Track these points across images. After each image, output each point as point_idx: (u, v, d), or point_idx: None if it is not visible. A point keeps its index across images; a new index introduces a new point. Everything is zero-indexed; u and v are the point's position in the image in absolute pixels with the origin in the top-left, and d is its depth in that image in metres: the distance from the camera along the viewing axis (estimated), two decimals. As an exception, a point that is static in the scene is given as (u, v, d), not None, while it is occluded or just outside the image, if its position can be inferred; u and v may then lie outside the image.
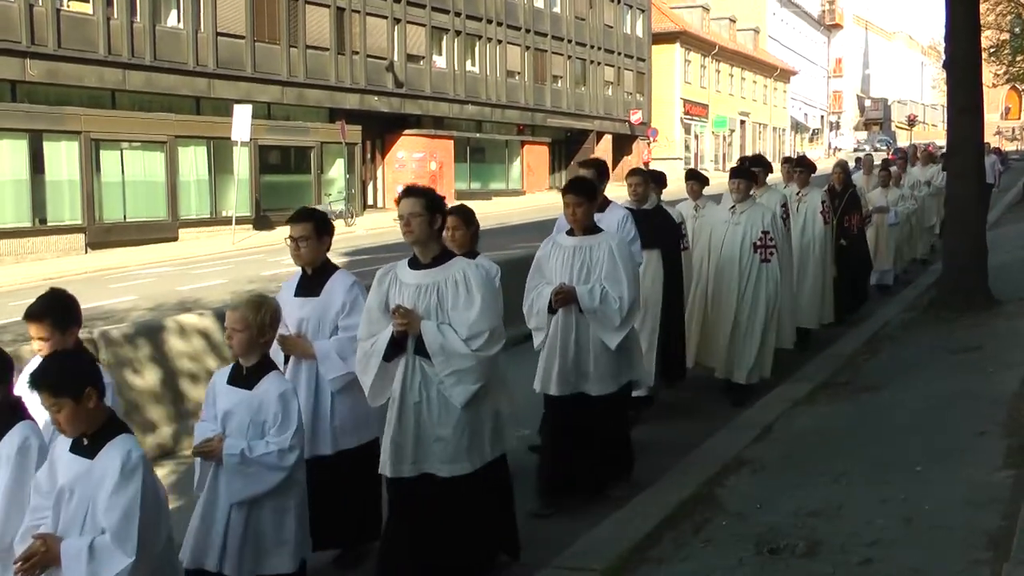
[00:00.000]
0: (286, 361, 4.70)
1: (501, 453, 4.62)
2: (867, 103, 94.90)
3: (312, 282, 4.82)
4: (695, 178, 9.20)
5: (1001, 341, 8.82)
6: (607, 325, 5.38)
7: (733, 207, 8.02)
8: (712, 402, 7.81)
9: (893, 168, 14.25)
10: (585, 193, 5.55)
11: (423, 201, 4.33)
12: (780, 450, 6.23)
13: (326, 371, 4.67)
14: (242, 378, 4.04)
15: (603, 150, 48.85)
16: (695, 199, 9.06)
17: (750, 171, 8.45)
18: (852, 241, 11.08)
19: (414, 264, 4.44)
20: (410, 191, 4.41)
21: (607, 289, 5.39)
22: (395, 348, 4.36)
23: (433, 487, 4.39)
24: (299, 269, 4.91)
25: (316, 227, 4.77)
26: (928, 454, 5.74)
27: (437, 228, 4.40)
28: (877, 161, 15.83)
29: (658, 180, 7.92)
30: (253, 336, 3.97)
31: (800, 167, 10.54)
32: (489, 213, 32.05)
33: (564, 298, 5.42)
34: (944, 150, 23.24)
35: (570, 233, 5.63)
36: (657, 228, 7.17)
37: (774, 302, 7.84)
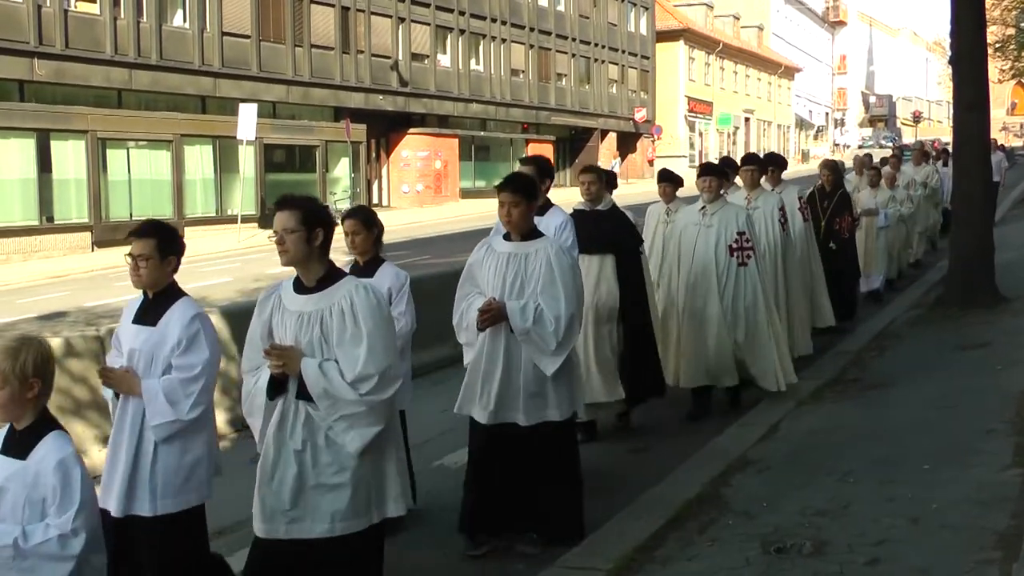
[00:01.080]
0: (116, 396, 4.06)
1: (383, 518, 3.82)
2: (872, 100, 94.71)
3: (151, 309, 4.07)
4: (668, 180, 8.50)
5: (1009, 338, 8.79)
6: (542, 348, 4.65)
7: (703, 208, 7.35)
8: (716, 402, 7.78)
9: (885, 168, 13.53)
10: (523, 191, 4.81)
11: (298, 214, 3.65)
12: (786, 449, 6.21)
13: (150, 416, 3.90)
14: (14, 446, 3.15)
15: (607, 148, 48.86)
16: (667, 202, 8.48)
17: (721, 168, 7.91)
18: (841, 245, 10.42)
19: (298, 287, 3.75)
20: (283, 202, 3.72)
21: (542, 307, 4.64)
22: (278, 387, 3.72)
23: (312, 551, 3.69)
24: (141, 292, 4.18)
25: (159, 245, 4.03)
26: (935, 452, 5.72)
27: (319, 244, 3.67)
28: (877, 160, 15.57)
29: (611, 179, 7.33)
30: (15, 391, 3.07)
31: (772, 165, 9.73)
32: (493, 211, 31.92)
33: (492, 316, 4.68)
34: (937, 147, 22.91)
35: (507, 238, 4.88)
36: (612, 231, 6.59)
37: (753, 312, 7.18)
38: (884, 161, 14.98)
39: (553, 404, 4.77)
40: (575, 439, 5.06)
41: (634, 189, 39.92)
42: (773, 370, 7.24)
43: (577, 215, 6.40)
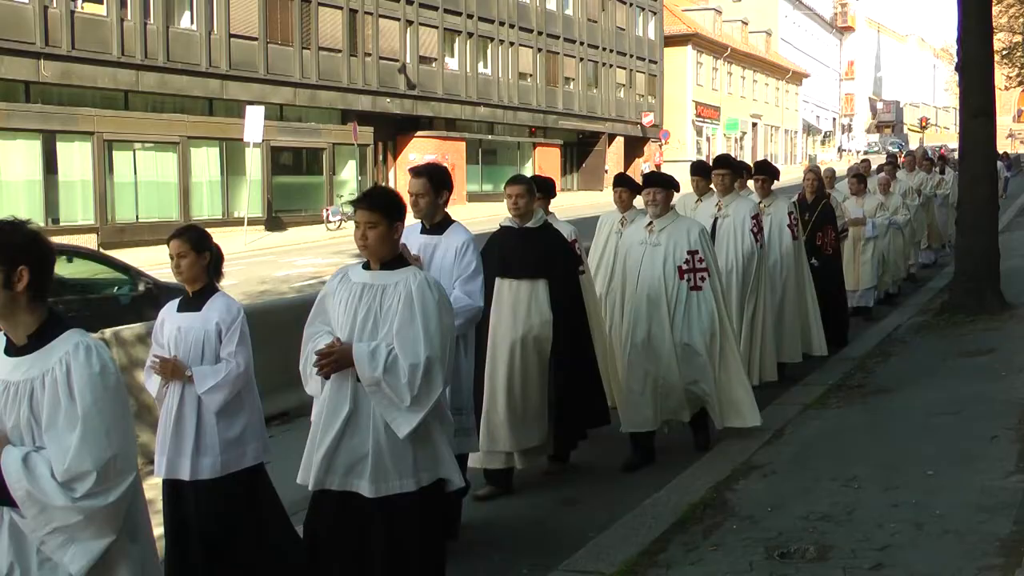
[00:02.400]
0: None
1: None
2: (879, 106, 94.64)
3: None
4: (624, 184, 7.45)
5: (1013, 344, 8.79)
6: (394, 403, 3.66)
7: (650, 224, 6.44)
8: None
9: (881, 175, 12.78)
10: (382, 209, 3.80)
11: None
12: (791, 454, 6.21)
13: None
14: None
15: (615, 152, 48.88)
16: (623, 210, 7.51)
17: (668, 177, 6.65)
18: (825, 262, 9.45)
19: (8, 347, 2.84)
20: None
21: (396, 352, 3.66)
22: None
23: None
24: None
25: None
26: (940, 458, 5.72)
27: (24, 287, 2.75)
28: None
29: (545, 189, 6.51)
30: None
31: (762, 173, 8.71)
32: (500, 215, 31.97)
33: (334, 361, 3.71)
34: (943, 153, 22.68)
35: (367, 265, 3.90)
36: (543, 252, 5.75)
37: (710, 343, 6.32)
38: (880, 169, 14.77)
39: (409, 471, 3.73)
40: (437, 517, 3.94)
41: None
42: (737, 408, 6.43)
43: (502, 233, 5.83)
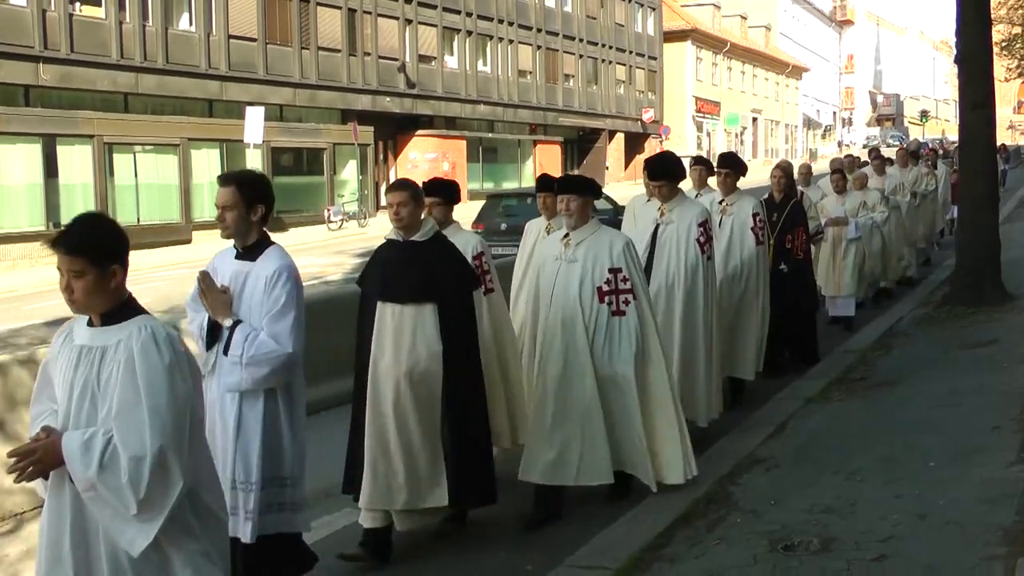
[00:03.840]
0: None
1: None
2: (879, 99, 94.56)
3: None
4: (547, 188, 6.48)
5: (1015, 336, 8.80)
6: (117, 511, 2.77)
7: (566, 237, 5.45)
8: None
9: (860, 171, 11.82)
10: (86, 253, 2.85)
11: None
12: (794, 447, 6.23)
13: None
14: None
15: (615, 149, 48.88)
16: (549, 217, 6.55)
17: (582, 180, 5.61)
18: (796, 268, 8.56)
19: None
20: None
21: (116, 441, 2.76)
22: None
23: None
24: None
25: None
26: (942, 450, 5.73)
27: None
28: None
29: (445, 193, 5.69)
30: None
31: (725, 167, 7.69)
32: (501, 213, 32.02)
33: (37, 461, 2.81)
34: (929, 147, 22.43)
35: (90, 323, 2.98)
36: (432, 271, 4.80)
37: (630, 379, 5.27)
38: (864, 164, 13.87)
39: None
40: None
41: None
42: (668, 459, 5.39)
43: (385, 248, 4.98)
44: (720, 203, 7.61)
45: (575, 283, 5.33)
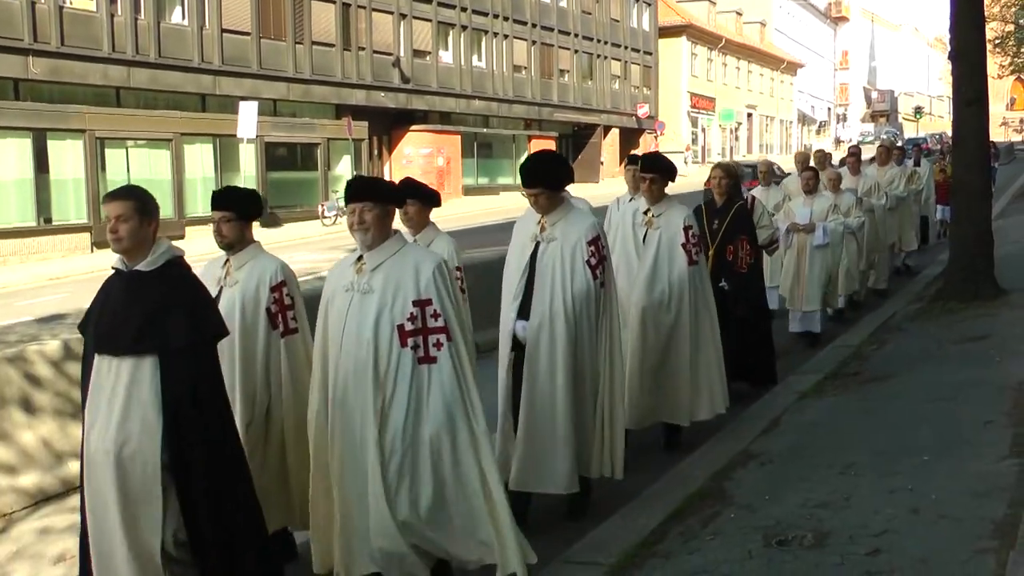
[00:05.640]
0: None
1: None
2: (874, 95, 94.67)
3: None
4: (418, 195, 5.55)
5: (1008, 330, 8.81)
6: None
7: (360, 262, 4.17)
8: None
9: (830, 170, 10.63)
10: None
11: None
12: (788, 442, 6.23)
13: None
14: None
15: (610, 144, 48.88)
16: (415, 232, 5.59)
17: (382, 185, 4.39)
18: (740, 283, 7.42)
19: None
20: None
21: None
22: None
23: None
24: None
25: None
26: (935, 444, 5.74)
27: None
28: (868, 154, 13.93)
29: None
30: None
31: (650, 170, 6.30)
32: (496, 208, 32.04)
33: None
34: (910, 145, 22.12)
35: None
36: (153, 310, 3.66)
37: (446, 448, 3.98)
38: (842, 162, 12.79)
39: None
40: None
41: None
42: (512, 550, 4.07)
43: (108, 281, 3.84)
44: (645, 214, 6.36)
45: (370, 319, 4.03)
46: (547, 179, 5.12)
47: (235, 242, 4.68)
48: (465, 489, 4.02)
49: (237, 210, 4.68)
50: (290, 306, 4.66)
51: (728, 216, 7.53)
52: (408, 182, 5.49)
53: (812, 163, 11.01)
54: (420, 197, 5.55)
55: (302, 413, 4.43)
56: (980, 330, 8.96)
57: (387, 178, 35.75)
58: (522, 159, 32.06)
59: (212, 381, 3.80)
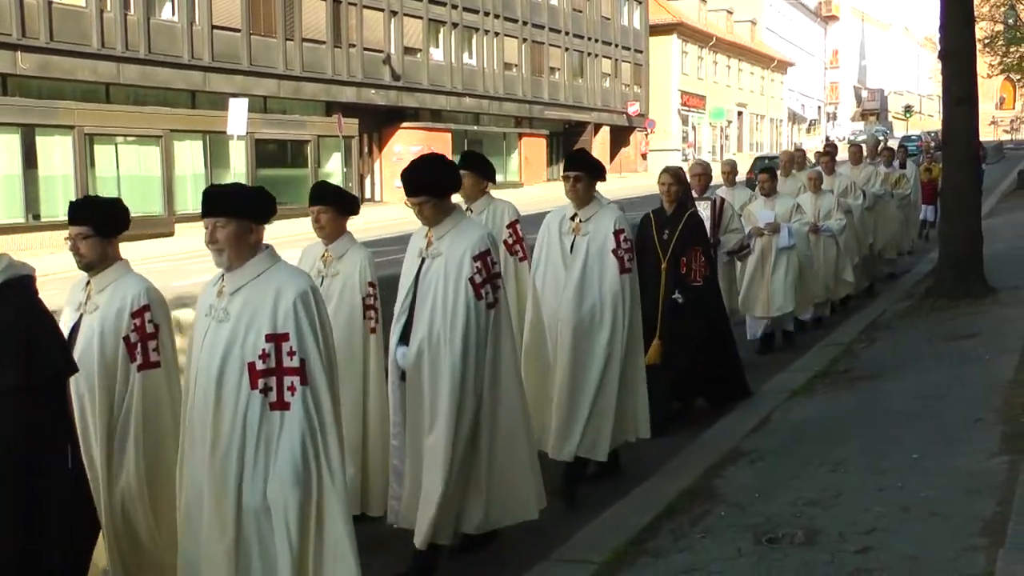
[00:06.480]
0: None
1: None
2: (864, 94, 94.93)
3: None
4: (330, 202, 5.11)
5: (997, 328, 8.85)
6: None
7: (220, 282, 3.63)
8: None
9: (812, 170, 10.45)
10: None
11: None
12: (778, 440, 6.24)
13: None
14: None
15: (601, 142, 48.89)
16: (328, 242, 5.13)
17: (236, 193, 3.63)
18: (696, 296, 6.84)
19: None
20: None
21: None
22: None
23: None
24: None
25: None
26: (925, 442, 5.76)
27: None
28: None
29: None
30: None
31: (575, 170, 5.61)
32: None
33: None
34: (887, 144, 21.93)
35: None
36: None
37: (293, 505, 3.35)
38: (816, 160, 12.30)
39: None
40: None
41: (628, 183, 40.00)
42: None
43: None
44: (571, 219, 5.66)
45: (218, 354, 3.46)
46: (431, 186, 4.50)
47: (95, 261, 4.05)
48: (316, 557, 3.43)
49: (95, 225, 4.06)
50: (152, 335, 4.01)
51: (680, 225, 6.89)
52: (321, 187, 5.05)
53: (782, 163, 10.79)
54: (333, 204, 5.03)
55: (158, 461, 3.91)
56: (970, 328, 8.99)
57: (377, 175, 35.75)
58: (513, 157, 31.83)
59: (53, 426, 3.11)
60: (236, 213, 3.50)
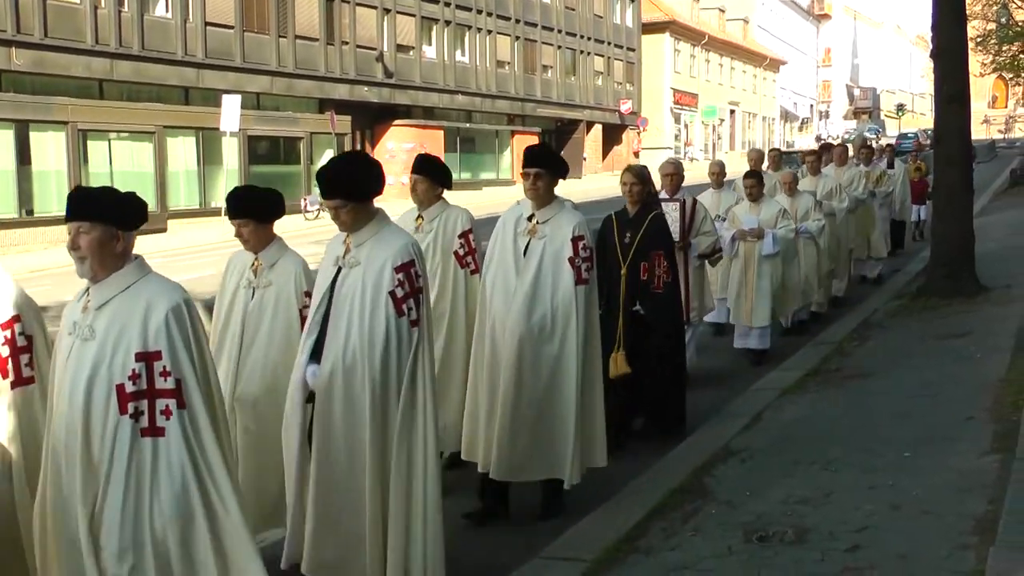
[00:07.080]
0: None
1: None
2: (856, 92, 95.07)
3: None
4: (251, 215, 4.68)
5: (988, 327, 8.87)
6: None
7: (85, 295, 3.31)
8: (699, 393, 7.80)
9: (785, 171, 10.12)
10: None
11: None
12: (769, 438, 6.25)
13: None
14: None
15: (593, 140, 48.91)
16: (255, 250, 4.84)
17: (103, 198, 3.34)
18: (656, 307, 6.42)
19: None
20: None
21: None
22: None
23: None
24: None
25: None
26: (916, 440, 5.77)
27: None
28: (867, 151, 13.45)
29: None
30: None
31: (535, 166, 5.10)
32: (479, 203, 32.00)
33: None
34: (877, 143, 21.65)
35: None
36: None
37: (168, 545, 3.12)
38: (802, 160, 11.96)
39: None
40: None
41: (619, 181, 39.95)
42: None
43: None
44: (529, 219, 5.17)
45: (83, 376, 3.14)
46: (349, 188, 4.00)
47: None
48: None
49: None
50: (24, 348, 3.53)
51: (642, 228, 6.48)
52: (236, 197, 4.58)
53: (754, 165, 10.31)
54: (253, 216, 4.58)
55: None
56: (961, 327, 9.01)
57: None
58: (505, 154, 31.72)
59: None
60: (101, 218, 3.20)
